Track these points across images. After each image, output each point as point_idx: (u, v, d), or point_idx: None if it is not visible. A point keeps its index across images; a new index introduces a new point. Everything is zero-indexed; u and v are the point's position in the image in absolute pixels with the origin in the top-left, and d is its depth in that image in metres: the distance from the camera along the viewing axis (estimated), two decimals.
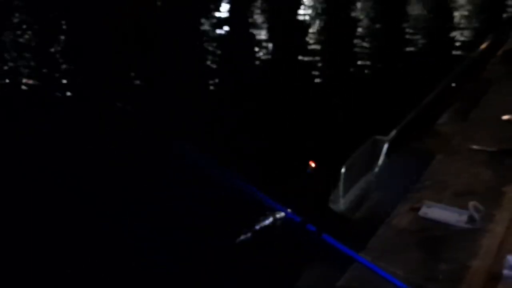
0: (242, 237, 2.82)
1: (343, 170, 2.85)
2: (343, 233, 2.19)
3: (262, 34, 8.86)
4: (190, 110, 5.10)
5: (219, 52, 7.89)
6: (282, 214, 1.80)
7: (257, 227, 2.74)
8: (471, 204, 1.97)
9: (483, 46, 4.92)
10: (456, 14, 9.81)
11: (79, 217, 3.25)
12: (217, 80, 6.50)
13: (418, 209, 2.07)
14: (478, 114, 2.92)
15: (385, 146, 2.97)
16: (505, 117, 2.77)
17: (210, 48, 8.02)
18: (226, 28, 9.16)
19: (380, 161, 2.95)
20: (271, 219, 2.66)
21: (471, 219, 1.94)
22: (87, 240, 3.03)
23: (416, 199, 2.16)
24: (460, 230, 1.92)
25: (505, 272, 1.72)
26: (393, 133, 2.99)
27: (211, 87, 6.31)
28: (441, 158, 2.47)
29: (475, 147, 2.53)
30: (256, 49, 7.82)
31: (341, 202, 2.81)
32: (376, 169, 2.97)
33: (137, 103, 5.39)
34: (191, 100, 5.48)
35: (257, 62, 7.33)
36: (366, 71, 6.56)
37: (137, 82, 6.51)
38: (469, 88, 4.08)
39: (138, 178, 3.63)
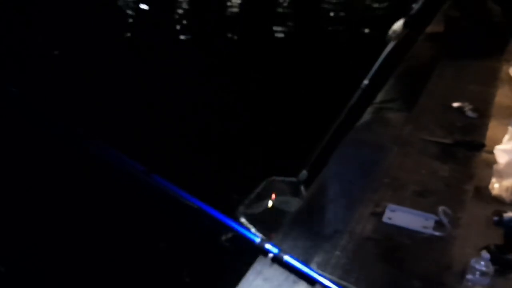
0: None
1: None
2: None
3: None
4: None
5: None
6: (236, 231, 1.51)
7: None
8: (441, 209, 1.80)
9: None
10: None
11: None
12: None
13: (381, 213, 1.88)
14: (426, 100, 2.79)
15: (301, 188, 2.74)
16: (455, 104, 2.65)
17: None
18: None
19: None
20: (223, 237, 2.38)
21: (440, 225, 1.78)
22: None
23: (376, 200, 1.96)
24: (428, 238, 1.75)
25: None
26: (304, 173, 2.72)
27: None
28: (395, 151, 2.29)
29: (428, 138, 2.38)
30: None
31: None
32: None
33: None
34: None
35: None
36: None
37: None
38: (405, 71, 4.00)
39: None
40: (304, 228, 2.60)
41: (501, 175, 2.48)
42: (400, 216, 1.85)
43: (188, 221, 1.98)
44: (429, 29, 4.93)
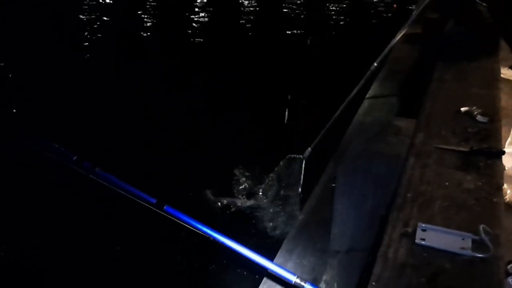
0: None
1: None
2: None
3: None
4: None
5: None
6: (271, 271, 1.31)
7: None
8: (481, 227, 1.64)
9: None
10: None
11: None
12: None
13: (412, 233, 1.70)
14: (431, 105, 2.64)
15: (303, 164, 2.95)
16: (463, 108, 2.52)
17: None
18: None
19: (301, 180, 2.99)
20: None
21: (479, 245, 1.61)
22: None
23: (403, 219, 1.79)
24: (470, 260, 1.58)
25: None
26: (308, 150, 3.05)
27: None
28: (413, 162, 2.13)
29: (443, 146, 2.23)
30: None
31: None
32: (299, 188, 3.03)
33: None
34: None
35: None
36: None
37: None
38: (390, 74, 3.91)
39: None
40: (308, 243, 2.44)
41: None
42: (434, 236, 1.68)
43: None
44: (407, 30, 4.85)
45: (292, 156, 3.22)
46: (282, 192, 3.22)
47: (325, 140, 3.11)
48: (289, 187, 3.20)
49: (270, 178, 3.21)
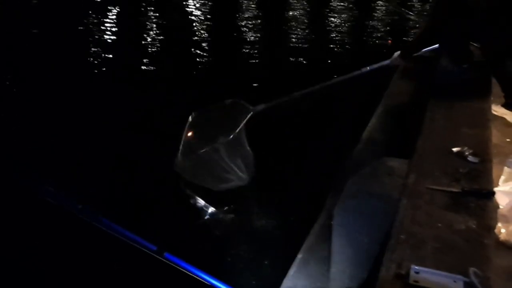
0: None
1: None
2: None
3: None
4: None
5: None
6: None
7: None
8: (472, 270, 1.70)
9: None
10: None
11: None
12: None
13: (405, 275, 1.76)
14: (423, 144, 2.73)
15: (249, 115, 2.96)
16: (455, 149, 2.60)
17: None
18: None
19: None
20: None
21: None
22: None
23: (396, 260, 1.85)
24: None
25: None
26: (261, 106, 3.06)
27: None
28: (405, 203, 2.20)
29: (435, 187, 2.30)
30: None
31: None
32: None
33: None
34: None
35: None
36: None
37: None
38: (388, 110, 4.01)
39: None
40: (307, 283, 2.48)
41: (507, 220, 2.42)
42: (427, 278, 1.73)
43: None
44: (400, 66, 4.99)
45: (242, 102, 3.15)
46: None
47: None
48: None
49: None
